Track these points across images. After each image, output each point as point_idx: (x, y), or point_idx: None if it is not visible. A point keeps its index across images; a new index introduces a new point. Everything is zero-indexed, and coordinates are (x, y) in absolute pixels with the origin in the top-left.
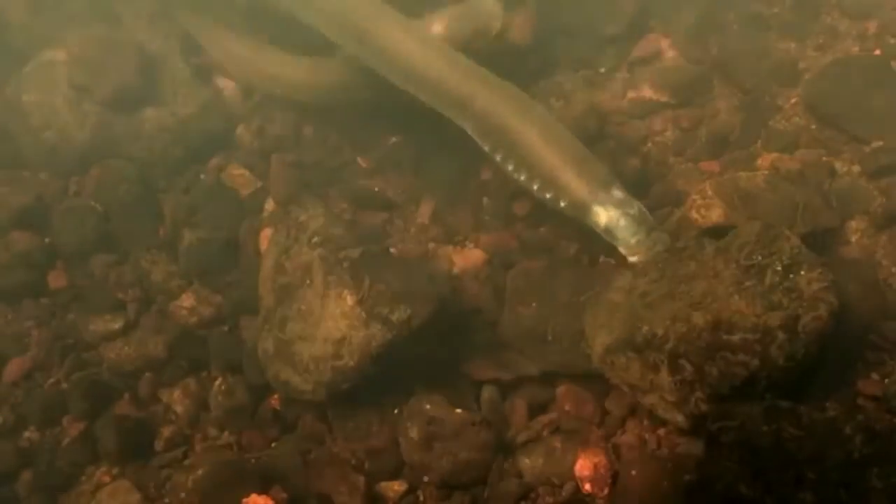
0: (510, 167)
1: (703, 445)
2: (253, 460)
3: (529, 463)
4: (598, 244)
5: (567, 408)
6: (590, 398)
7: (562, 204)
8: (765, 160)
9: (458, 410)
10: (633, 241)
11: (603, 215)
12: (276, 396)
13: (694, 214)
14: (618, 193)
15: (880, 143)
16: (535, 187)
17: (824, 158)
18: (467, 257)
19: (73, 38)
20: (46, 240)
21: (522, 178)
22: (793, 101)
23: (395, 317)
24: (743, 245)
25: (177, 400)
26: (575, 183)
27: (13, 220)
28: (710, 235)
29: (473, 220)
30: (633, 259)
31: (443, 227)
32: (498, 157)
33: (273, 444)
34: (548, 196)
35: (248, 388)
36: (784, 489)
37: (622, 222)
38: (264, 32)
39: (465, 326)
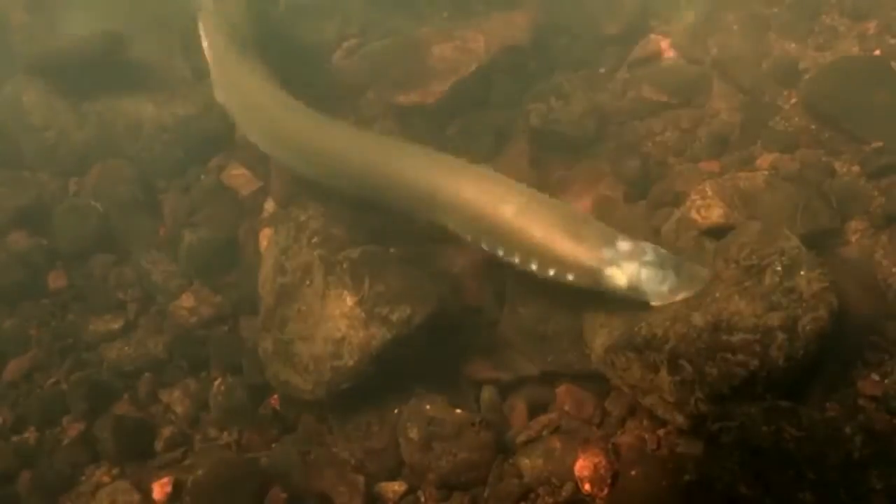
0: (500, 253)
1: (703, 445)
2: (253, 460)
3: (529, 463)
4: None
5: (567, 408)
6: (590, 398)
7: (569, 278)
8: (765, 160)
9: (458, 410)
10: (664, 289)
11: (620, 276)
12: (276, 396)
13: (694, 214)
14: (624, 245)
15: (880, 143)
16: (534, 268)
17: (824, 158)
18: (467, 257)
19: None
20: (45, 241)
21: (517, 261)
22: (793, 101)
23: (394, 317)
24: (743, 245)
25: (177, 400)
26: (574, 251)
27: (13, 220)
28: (710, 235)
29: None
30: (677, 300)
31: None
32: (485, 246)
33: (273, 444)
34: (551, 273)
35: (248, 388)
36: (784, 489)
37: (644, 274)
38: None
39: (465, 326)
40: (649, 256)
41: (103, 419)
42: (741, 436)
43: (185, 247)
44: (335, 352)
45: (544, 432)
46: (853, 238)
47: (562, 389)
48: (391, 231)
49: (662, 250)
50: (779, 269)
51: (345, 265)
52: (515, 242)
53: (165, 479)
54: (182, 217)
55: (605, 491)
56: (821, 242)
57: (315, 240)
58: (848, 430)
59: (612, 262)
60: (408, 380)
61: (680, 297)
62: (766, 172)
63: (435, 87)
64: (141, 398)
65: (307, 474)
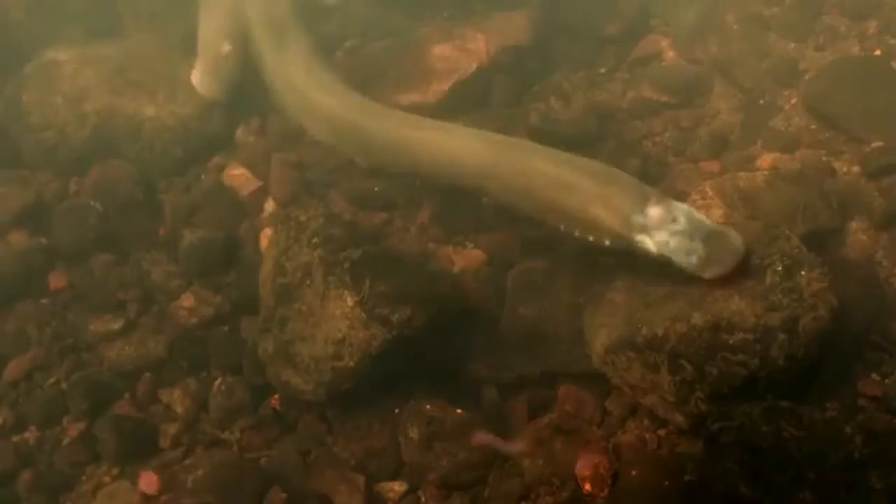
0: (533, 216)
1: (703, 445)
2: (253, 460)
3: (529, 463)
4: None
5: (567, 408)
6: (590, 398)
7: (606, 243)
8: (765, 160)
9: (458, 410)
10: (693, 260)
11: (650, 243)
12: (276, 396)
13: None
14: (654, 210)
15: (880, 143)
16: (563, 228)
17: (824, 158)
18: (467, 257)
19: None
20: (45, 240)
21: (548, 221)
22: (793, 101)
23: (395, 317)
24: None
25: (177, 400)
26: (602, 216)
27: (13, 220)
28: None
29: (473, 220)
30: (707, 276)
31: (443, 227)
32: (519, 213)
33: (273, 444)
34: (591, 239)
35: (248, 388)
36: (784, 489)
37: (672, 244)
38: None
39: (465, 326)
40: (679, 224)
41: (103, 419)
42: (741, 436)
43: (185, 247)
44: (336, 352)
45: (544, 432)
46: (853, 238)
47: (562, 389)
48: (392, 231)
49: (697, 215)
50: (779, 268)
51: (345, 265)
52: (543, 206)
53: (154, 476)
54: (182, 217)
55: (606, 491)
56: (821, 242)
57: (315, 240)
58: (848, 430)
59: (641, 230)
60: (408, 380)
61: (709, 274)
62: (766, 172)
63: (435, 86)
64: (141, 398)
65: (307, 474)
